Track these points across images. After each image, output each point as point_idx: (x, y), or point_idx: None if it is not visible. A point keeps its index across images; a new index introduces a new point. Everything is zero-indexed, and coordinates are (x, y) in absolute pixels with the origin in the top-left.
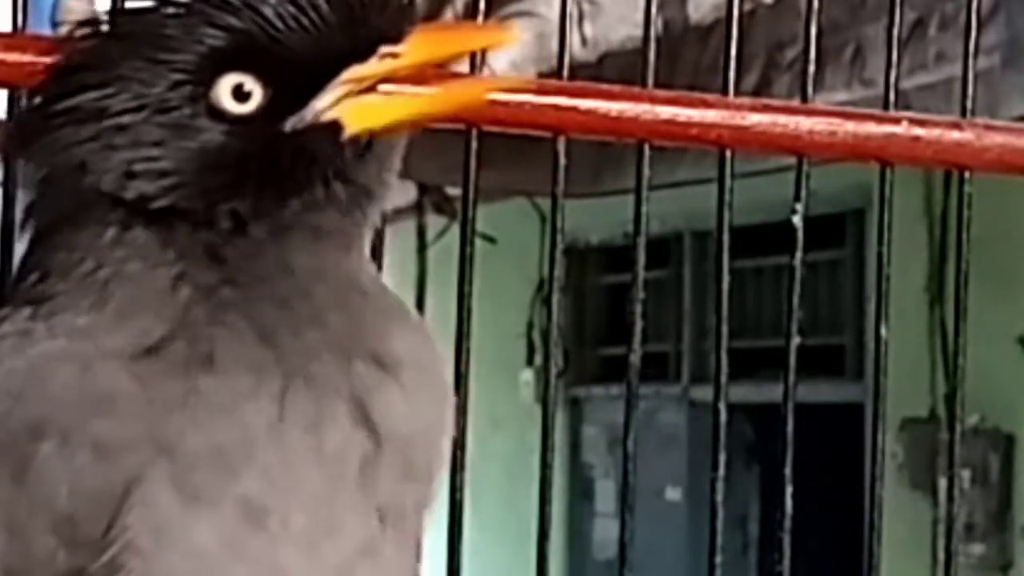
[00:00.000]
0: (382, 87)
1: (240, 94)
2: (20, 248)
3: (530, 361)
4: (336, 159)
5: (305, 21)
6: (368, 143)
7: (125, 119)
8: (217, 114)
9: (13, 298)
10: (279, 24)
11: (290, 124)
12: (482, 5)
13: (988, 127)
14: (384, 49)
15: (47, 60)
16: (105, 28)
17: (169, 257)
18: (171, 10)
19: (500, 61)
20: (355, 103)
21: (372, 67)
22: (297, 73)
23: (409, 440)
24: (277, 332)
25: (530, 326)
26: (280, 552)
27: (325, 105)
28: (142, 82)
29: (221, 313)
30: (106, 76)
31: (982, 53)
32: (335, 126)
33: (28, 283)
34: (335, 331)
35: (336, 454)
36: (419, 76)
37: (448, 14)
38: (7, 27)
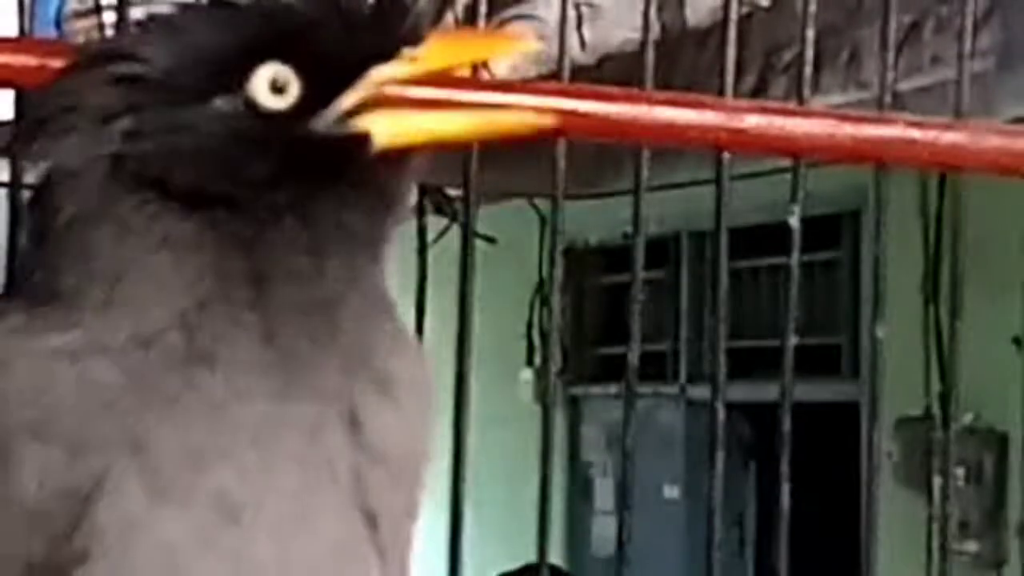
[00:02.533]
0: (413, 94)
1: (277, 88)
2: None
3: (530, 361)
4: (364, 167)
5: (336, 18)
6: (397, 157)
7: (164, 109)
8: (253, 107)
9: (20, 293)
10: (313, 17)
11: (319, 124)
12: (482, 8)
13: (983, 129)
14: (406, 52)
15: (52, 64)
16: (143, 18)
17: (202, 246)
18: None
19: (500, 64)
20: (389, 117)
21: (394, 69)
22: (327, 68)
23: (398, 456)
24: (288, 336)
25: (530, 326)
26: (251, 547)
27: (350, 104)
28: (181, 72)
29: (238, 310)
30: (143, 68)
31: (977, 56)
32: (365, 137)
33: (36, 279)
34: (345, 345)
35: (322, 459)
36: (456, 85)
37: (448, 17)
38: (12, 31)
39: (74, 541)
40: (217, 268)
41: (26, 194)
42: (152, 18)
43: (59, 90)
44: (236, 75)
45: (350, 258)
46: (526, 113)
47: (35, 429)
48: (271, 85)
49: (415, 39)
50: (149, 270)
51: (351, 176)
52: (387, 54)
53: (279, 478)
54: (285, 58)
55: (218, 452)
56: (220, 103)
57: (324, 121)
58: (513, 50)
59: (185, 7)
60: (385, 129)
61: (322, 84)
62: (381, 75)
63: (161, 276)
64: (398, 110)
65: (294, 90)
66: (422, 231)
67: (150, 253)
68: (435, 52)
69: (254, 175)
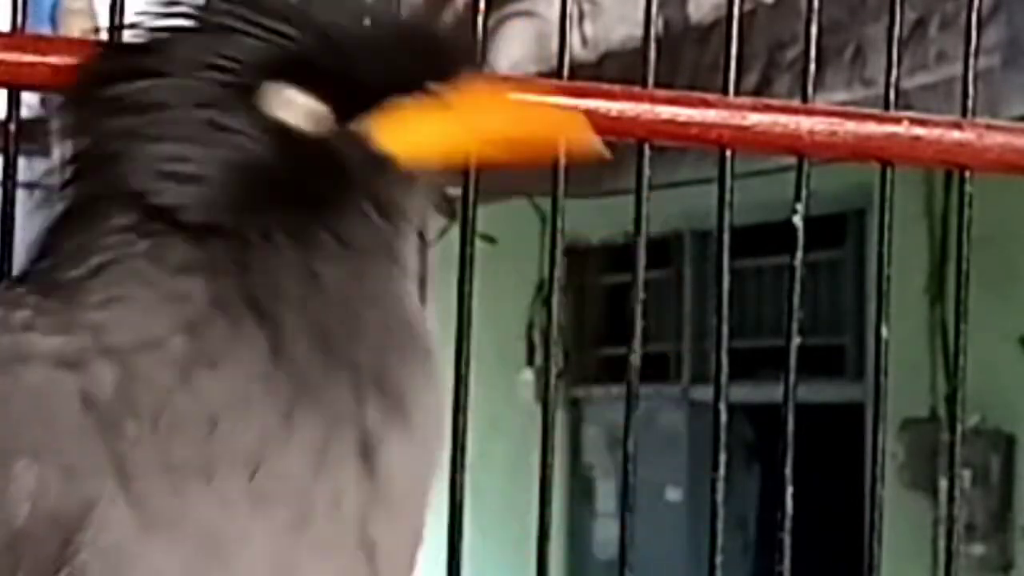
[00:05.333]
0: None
1: (288, 105)
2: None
3: (530, 361)
4: (373, 180)
5: (362, 42)
6: (412, 170)
7: (169, 113)
8: (261, 121)
9: (26, 278)
10: (337, 40)
11: (333, 140)
12: (482, 4)
13: (989, 127)
14: (431, 85)
15: (46, 60)
16: (173, 13)
17: (188, 260)
18: (237, 10)
19: (501, 61)
20: (404, 129)
21: (414, 101)
22: (344, 92)
23: (406, 486)
24: (296, 353)
25: (530, 326)
26: None
27: (364, 129)
28: (194, 76)
29: (239, 327)
30: (161, 64)
31: (983, 53)
32: (377, 149)
33: (42, 267)
34: (358, 365)
35: (327, 486)
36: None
37: (448, 13)
38: (6, 26)
39: (61, 569)
40: (209, 290)
41: (20, 192)
42: (179, 6)
43: (83, 73)
44: (248, 90)
45: (360, 272)
46: (574, 128)
47: (33, 447)
48: (282, 102)
49: (445, 75)
50: (141, 282)
51: (359, 189)
52: (409, 85)
53: (273, 510)
54: (301, 76)
55: (208, 480)
56: (228, 114)
57: (337, 139)
58: (549, 133)
59: (214, 6)
60: (402, 144)
61: (337, 107)
62: (399, 105)
63: (150, 291)
64: (415, 120)
65: (305, 109)
66: (422, 231)
67: (139, 266)
68: (462, 97)
69: (253, 195)
